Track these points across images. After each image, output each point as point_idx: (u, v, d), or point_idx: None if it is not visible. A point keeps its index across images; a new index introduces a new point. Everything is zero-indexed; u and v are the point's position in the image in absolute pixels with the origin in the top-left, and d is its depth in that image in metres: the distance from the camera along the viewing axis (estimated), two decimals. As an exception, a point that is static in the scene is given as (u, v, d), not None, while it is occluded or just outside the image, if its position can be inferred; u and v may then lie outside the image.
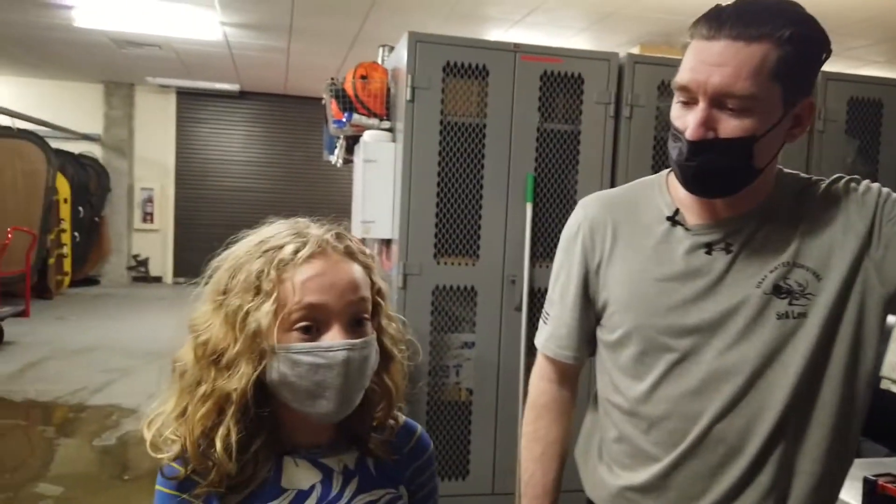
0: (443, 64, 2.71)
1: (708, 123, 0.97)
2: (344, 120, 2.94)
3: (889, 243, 1.00)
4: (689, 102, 0.99)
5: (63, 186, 8.30)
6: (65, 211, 8.45)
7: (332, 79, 3.06)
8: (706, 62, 0.95)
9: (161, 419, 0.89)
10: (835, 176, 1.08)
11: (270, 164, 10.13)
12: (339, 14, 5.63)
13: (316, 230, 0.91)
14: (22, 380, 5.05)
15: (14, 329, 6.33)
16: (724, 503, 1.04)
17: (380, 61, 3.24)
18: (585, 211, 1.18)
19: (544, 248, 2.81)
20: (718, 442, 1.03)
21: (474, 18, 5.55)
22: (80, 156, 9.23)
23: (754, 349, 1.02)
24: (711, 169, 0.99)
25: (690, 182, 1.02)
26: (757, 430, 1.02)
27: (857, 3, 4.67)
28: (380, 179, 2.81)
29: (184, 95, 9.81)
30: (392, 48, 3.19)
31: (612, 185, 2.80)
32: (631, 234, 1.12)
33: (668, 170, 1.13)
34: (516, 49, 2.78)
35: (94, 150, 9.61)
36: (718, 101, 0.96)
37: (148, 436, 0.88)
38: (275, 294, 0.85)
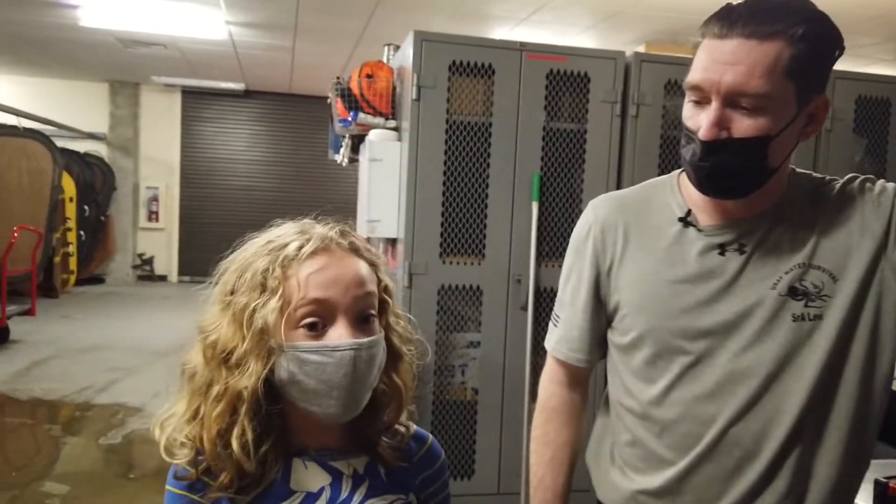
0: (449, 63, 2.70)
1: (721, 123, 0.96)
2: (349, 119, 2.94)
3: None
4: (702, 102, 0.98)
5: (69, 185, 8.31)
6: (70, 210, 8.47)
7: (338, 78, 3.05)
8: (719, 61, 0.94)
9: (173, 422, 0.89)
10: (849, 175, 1.07)
11: (275, 164, 10.12)
12: (345, 13, 5.63)
13: (320, 228, 0.91)
14: (28, 378, 5.06)
15: (20, 327, 6.35)
16: None
17: (385, 60, 3.23)
18: (596, 212, 1.17)
19: (550, 248, 2.79)
20: (734, 446, 1.02)
21: (479, 17, 5.54)
22: (86, 155, 9.25)
23: (770, 352, 1.00)
24: (725, 169, 0.98)
25: (704, 183, 1.01)
26: (773, 433, 1.01)
27: (865, 1, 4.64)
28: (385, 178, 2.80)
29: (189, 94, 9.81)
30: (397, 47, 3.18)
31: (619, 184, 2.79)
32: (642, 235, 1.11)
33: (680, 170, 1.12)
34: (522, 48, 2.77)
35: (100, 149, 9.62)
36: (732, 100, 0.95)
37: (161, 439, 0.88)
38: (280, 291, 0.85)
